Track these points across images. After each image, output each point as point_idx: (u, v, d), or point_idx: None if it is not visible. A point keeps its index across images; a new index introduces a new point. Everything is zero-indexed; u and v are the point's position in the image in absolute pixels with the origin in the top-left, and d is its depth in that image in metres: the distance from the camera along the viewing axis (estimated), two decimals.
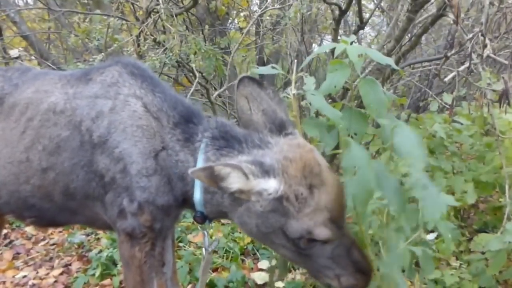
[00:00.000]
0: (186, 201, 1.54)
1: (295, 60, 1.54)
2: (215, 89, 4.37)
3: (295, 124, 1.50)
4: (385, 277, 1.39)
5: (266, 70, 1.54)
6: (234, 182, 1.26)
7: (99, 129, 1.52)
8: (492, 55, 1.65)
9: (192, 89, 3.74)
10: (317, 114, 1.93)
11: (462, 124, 2.77)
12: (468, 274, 2.10)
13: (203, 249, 1.60)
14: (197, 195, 1.45)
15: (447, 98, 2.87)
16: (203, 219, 1.52)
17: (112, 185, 1.50)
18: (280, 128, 1.44)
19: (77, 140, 1.55)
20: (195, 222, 1.57)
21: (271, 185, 1.27)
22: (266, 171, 1.27)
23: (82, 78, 1.66)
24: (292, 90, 1.44)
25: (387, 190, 1.29)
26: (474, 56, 1.72)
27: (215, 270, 2.88)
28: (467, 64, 1.78)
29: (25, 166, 1.62)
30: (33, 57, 5.11)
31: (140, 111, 1.53)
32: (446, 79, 1.96)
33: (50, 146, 1.58)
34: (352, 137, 1.60)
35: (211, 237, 3.17)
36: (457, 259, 2.48)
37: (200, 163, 1.43)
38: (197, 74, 3.69)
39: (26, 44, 5.31)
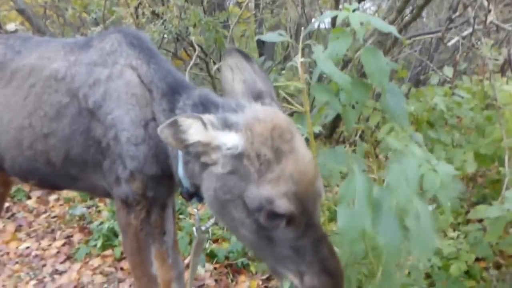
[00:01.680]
0: (174, 178, 1.51)
1: (302, 28, 1.51)
2: (215, 63, 4.32)
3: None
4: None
5: (272, 37, 1.52)
6: (194, 133, 1.17)
7: (94, 95, 1.52)
8: (496, 21, 1.62)
9: (192, 63, 3.70)
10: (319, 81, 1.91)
11: (462, 97, 2.75)
12: (465, 245, 2.11)
13: (194, 228, 1.56)
14: (180, 169, 1.41)
15: (448, 71, 2.84)
16: (189, 195, 1.47)
17: (108, 151, 1.51)
18: (257, 98, 1.39)
19: (76, 107, 1.56)
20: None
21: (230, 139, 1.19)
22: (227, 125, 1.20)
23: (84, 46, 1.66)
24: (299, 58, 1.40)
25: (383, 228, 1.19)
26: (476, 25, 1.69)
27: (215, 241, 2.91)
28: (470, 30, 1.76)
29: (28, 131, 1.63)
30: (30, 32, 5.04)
31: (135, 81, 1.53)
32: (449, 44, 1.93)
33: (51, 113, 1.59)
34: (353, 106, 1.58)
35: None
36: (454, 230, 2.50)
37: None
38: (197, 48, 3.64)
39: (22, 19, 5.23)
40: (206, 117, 1.19)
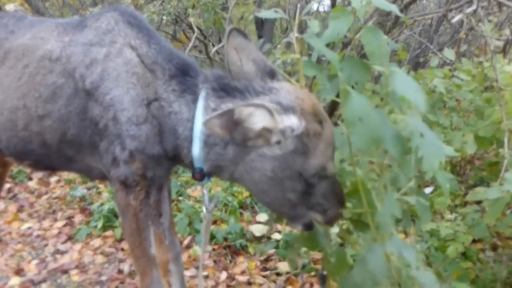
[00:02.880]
0: (176, 157, 1.49)
1: (298, 5, 1.48)
2: (213, 45, 4.24)
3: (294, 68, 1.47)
4: (378, 227, 1.36)
5: (269, 14, 1.49)
6: (259, 121, 1.22)
7: (92, 75, 1.47)
8: None
9: (191, 45, 3.63)
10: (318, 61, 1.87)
11: (462, 80, 2.69)
12: (463, 227, 2.09)
13: (204, 208, 1.57)
14: (196, 150, 1.40)
15: (448, 53, 2.78)
16: (202, 176, 1.46)
17: (105, 132, 1.47)
18: (271, 76, 1.42)
19: (72, 87, 1.51)
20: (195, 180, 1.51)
21: (294, 122, 1.25)
22: (286, 109, 1.25)
23: (78, 26, 1.61)
24: (294, 34, 1.40)
25: (386, 139, 1.22)
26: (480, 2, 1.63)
27: (214, 222, 2.88)
28: (474, 7, 1.69)
29: (22, 113, 1.58)
30: (29, 14, 4.94)
31: (135, 60, 1.48)
32: (453, 20, 1.87)
33: (46, 94, 1.54)
34: (353, 87, 1.54)
35: (209, 191, 3.17)
36: (451, 212, 2.48)
37: (200, 111, 1.38)
38: (196, 30, 3.56)
39: (22, 0, 5.12)
40: (268, 104, 1.23)
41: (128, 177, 1.48)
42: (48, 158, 1.66)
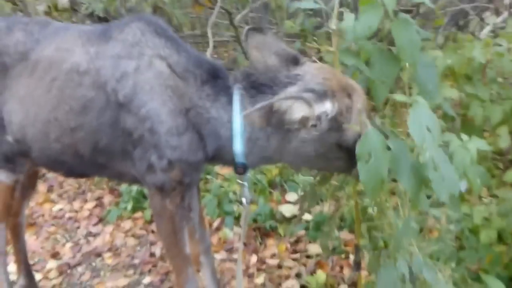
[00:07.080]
0: (217, 157, 1.61)
1: None
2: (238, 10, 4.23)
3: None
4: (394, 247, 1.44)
5: (306, 4, 1.58)
6: (298, 112, 1.37)
7: (124, 89, 1.55)
8: None
9: (215, 12, 3.64)
10: None
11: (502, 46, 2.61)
12: (497, 209, 2.11)
13: (243, 199, 1.69)
14: (238, 147, 1.53)
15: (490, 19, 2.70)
16: (245, 169, 1.60)
17: (140, 142, 1.56)
18: (295, 62, 1.53)
19: (103, 100, 1.58)
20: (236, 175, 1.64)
21: (327, 107, 1.39)
22: (320, 95, 1.38)
23: (102, 36, 1.67)
24: (333, 24, 1.49)
25: (403, 173, 1.31)
26: None
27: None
28: None
29: (54, 125, 1.67)
30: None
31: (166, 72, 1.56)
32: None
33: (76, 107, 1.62)
34: (383, 82, 1.57)
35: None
36: (488, 190, 2.49)
37: (237, 112, 1.51)
38: None
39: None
40: (305, 95, 1.37)
41: (165, 183, 1.59)
42: (80, 167, 1.77)
